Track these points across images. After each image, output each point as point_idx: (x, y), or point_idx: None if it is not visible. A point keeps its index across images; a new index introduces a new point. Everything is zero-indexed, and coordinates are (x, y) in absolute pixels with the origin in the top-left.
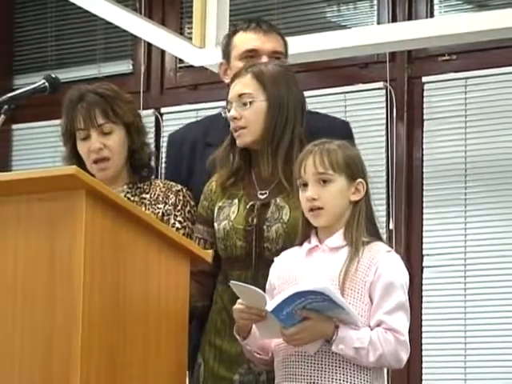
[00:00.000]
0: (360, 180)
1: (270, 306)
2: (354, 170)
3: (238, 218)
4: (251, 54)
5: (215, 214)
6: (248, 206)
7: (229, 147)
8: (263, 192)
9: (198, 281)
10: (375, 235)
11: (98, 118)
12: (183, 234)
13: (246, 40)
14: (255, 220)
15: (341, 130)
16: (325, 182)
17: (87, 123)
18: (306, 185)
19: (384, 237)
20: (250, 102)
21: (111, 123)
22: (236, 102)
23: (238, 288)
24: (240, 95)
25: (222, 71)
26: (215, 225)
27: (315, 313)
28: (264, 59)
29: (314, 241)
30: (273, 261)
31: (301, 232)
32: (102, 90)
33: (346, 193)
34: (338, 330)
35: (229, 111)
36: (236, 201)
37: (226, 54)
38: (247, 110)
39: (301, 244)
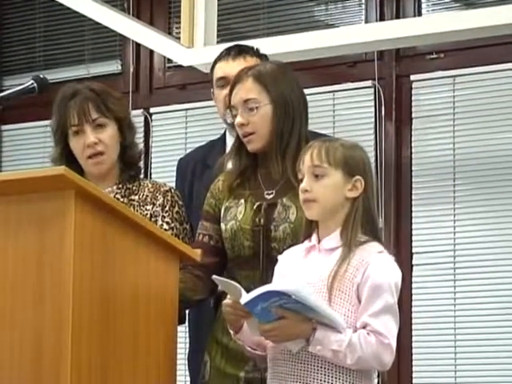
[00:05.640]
0: (358, 177)
1: (244, 299)
2: (352, 166)
3: (245, 218)
4: (222, 83)
5: (222, 214)
6: (255, 207)
7: (236, 149)
8: (270, 192)
9: (198, 275)
10: (372, 235)
11: (91, 112)
12: (171, 235)
13: (218, 69)
14: (262, 220)
15: None
16: (317, 176)
17: (81, 118)
18: (303, 178)
19: (382, 236)
20: (256, 108)
21: (104, 118)
22: (241, 108)
23: (219, 282)
24: (245, 101)
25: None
26: (222, 225)
27: (293, 313)
28: None
29: (313, 239)
30: None
31: (304, 229)
32: (95, 87)
33: (342, 188)
34: (315, 332)
35: (234, 117)
36: (242, 201)
37: (211, 82)
38: (254, 116)
39: (303, 242)
